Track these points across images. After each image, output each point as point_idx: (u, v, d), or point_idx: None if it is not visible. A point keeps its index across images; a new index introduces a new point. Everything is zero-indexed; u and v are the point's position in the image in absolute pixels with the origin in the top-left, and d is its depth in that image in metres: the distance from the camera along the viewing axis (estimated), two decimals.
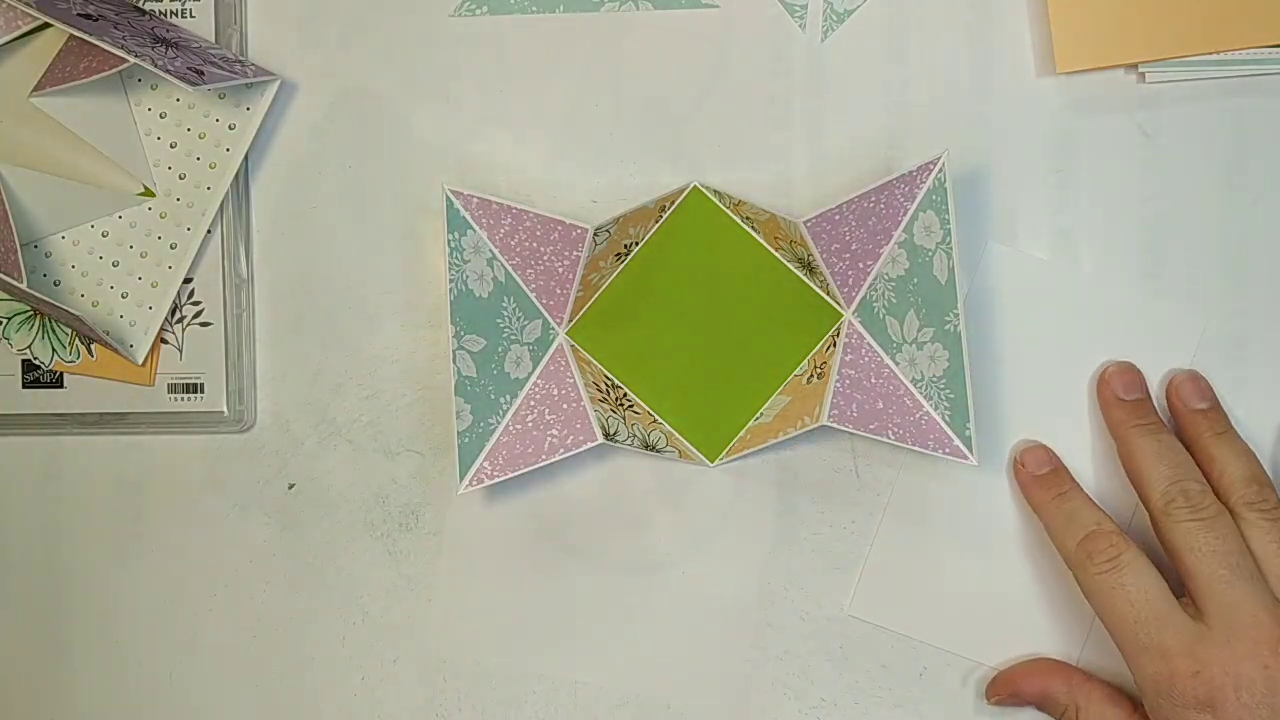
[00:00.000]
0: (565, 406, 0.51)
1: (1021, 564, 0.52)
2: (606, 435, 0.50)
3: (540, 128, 0.53)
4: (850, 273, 0.51)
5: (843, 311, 0.51)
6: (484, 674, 0.53)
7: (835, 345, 0.51)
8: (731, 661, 0.53)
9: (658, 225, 0.51)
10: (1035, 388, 0.52)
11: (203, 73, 0.49)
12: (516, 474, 0.50)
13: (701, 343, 0.52)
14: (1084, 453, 0.52)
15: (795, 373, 0.52)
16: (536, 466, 0.50)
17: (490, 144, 0.53)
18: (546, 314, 0.51)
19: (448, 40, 0.53)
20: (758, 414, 0.52)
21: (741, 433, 0.52)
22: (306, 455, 0.53)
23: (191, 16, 0.52)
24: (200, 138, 0.52)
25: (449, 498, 0.53)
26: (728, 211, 0.51)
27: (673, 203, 0.51)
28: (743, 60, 0.52)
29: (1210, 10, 0.50)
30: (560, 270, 0.51)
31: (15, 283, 0.50)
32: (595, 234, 0.50)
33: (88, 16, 0.49)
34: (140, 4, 0.52)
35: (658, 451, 0.51)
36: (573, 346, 0.52)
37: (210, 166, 0.52)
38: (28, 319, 0.53)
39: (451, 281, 0.49)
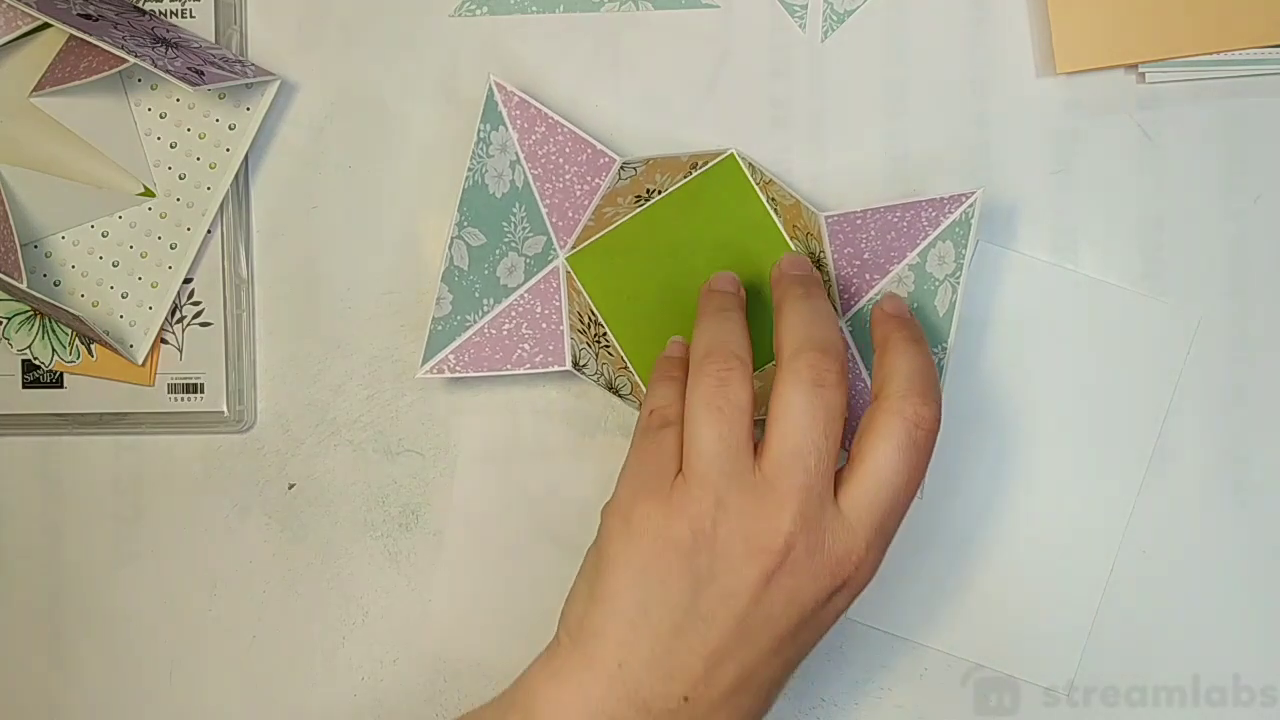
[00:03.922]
0: (544, 326, 0.51)
1: (1021, 564, 0.52)
2: (576, 365, 0.51)
3: None
4: (855, 281, 0.51)
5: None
6: (484, 674, 0.53)
7: None
8: None
9: (684, 180, 0.51)
10: (1035, 388, 0.52)
11: (203, 73, 0.49)
12: (478, 374, 0.51)
13: (692, 305, 0.51)
14: (1081, 452, 0.52)
15: (773, 362, 0.51)
16: (500, 373, 0.51)
17: None
18: (553, 233, 0.51)
19: (448, 40, 0.53)
20: None
21: None
22: (306, 455, 0.53)
23: (191, 16, 0.52)
24: (200, 138, 0.52)
25: (449, 498, 0.53)
26: (756, 188, 0.51)
27: (705, 163, 0.51)
28: (743, 61, 0.52)
29: (1210, 10, 0.50)
30: (578, 194, 0.51)
31: (15, 283, 0.50)
32: (621, 169, 0.50)
33: (88, 16, 0.49)
34: (140, 4, 0.52)
35: (620, 396, 0.51)
36: (568, 272, 0.52)
37: (210, 166, 0.52)
38: (28, 319, 0.53)
39: (470, 171, 0.49)
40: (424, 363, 0.50)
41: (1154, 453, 0.52)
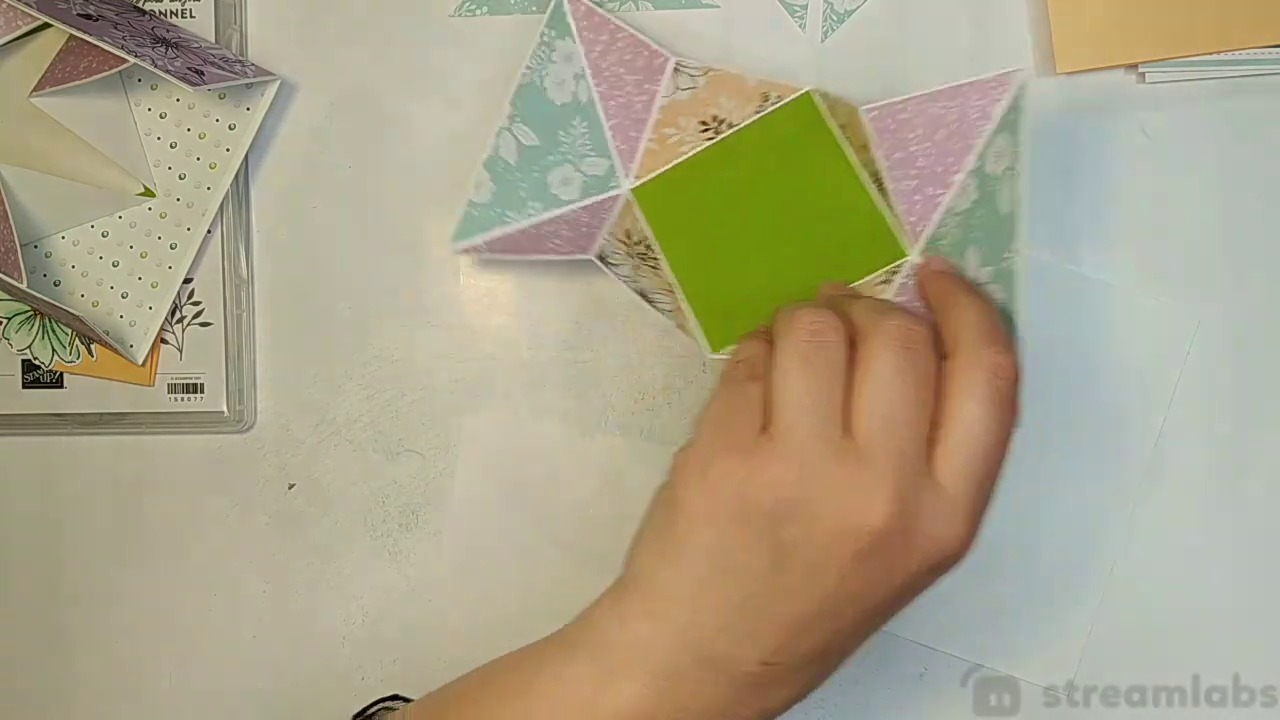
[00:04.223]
0: (584, 230, 0.50)
1: (1021, 564, 0.52)
2: (602, 258, 0.50)
3: None
4: (917, 197, 0.48)
5: (908, 251, 0.49)
6: None
7: (891, 282, 0.49)
8: None
9: (757, 116, 0.50)
10: (1035, 388, 0.52)
11: (203, 73, 0.49)
12: (506, 257, 0.50)
13: (756, 240, 0.50)
14: (1081, 452, 0.52)
15: None
16: (526, 258, 0.50)
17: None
18: (617, 158, 0.50)
19: (448, 40, 0.53)
20: None
21: None
22: (306, 455, 0.53)
23: (191, 16, 0.52)
24: (200, 138, 0.52)
25: (449, 498, 0.53)
26: (833, 129, 0.49)
27: (779, 98, 0.49)
28: (743, 60, 0.52)
29: (1210, 10, 0.50)
30: (637, 107, 0.50)
31: (15, 283, 0.50)
32: (676, 71, 0.49)
33: (88, 16, 0.49)
34: (140, 4, 0.52)
35: (650, 303, 0.50)
36: (630, 203, 0.50)
37: (210, 166, 0.52)
38: (28, 319, 0.53)
39: (528, 70, 0.49)
40: (456, 239, 0.49)
41: (1154, 453, 0.52)
